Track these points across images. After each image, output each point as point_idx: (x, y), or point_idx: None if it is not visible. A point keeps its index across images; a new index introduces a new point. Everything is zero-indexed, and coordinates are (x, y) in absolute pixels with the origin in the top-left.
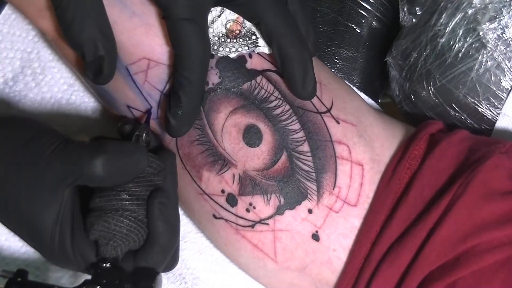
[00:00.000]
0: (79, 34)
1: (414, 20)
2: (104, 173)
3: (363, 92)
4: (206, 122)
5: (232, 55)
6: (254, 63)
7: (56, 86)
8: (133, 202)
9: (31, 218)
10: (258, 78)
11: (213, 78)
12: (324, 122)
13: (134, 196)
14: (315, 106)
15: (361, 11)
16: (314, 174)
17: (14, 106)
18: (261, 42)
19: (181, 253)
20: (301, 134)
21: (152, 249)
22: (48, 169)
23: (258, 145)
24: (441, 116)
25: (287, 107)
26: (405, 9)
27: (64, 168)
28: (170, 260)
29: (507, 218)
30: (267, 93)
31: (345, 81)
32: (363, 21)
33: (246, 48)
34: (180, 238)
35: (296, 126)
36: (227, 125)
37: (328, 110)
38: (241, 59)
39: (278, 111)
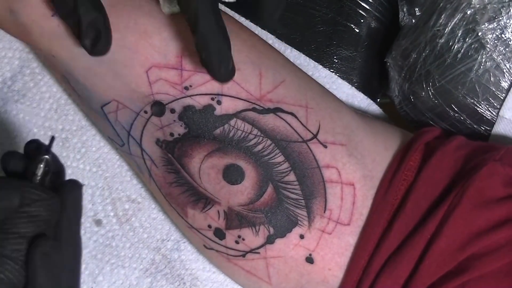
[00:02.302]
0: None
1: (413, 20)
2: None
3: (362, 92)
4: (180, 167)
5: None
6: (225, 108)
7: (54, 86)
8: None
9: None
10: (232, 121)
11: (179, 129)
12: (310, 149)
13: (8, 233)
14: (300, 135)
15: (360, 11)
16: (303, 201)
17: (12, 106)
18: None
19: (180, 253)
20: (285, 165)
21: None
22: None
23: (240, 182)
24: (440, 117)
25: (268, 142)
26: (405, 9)
27: None
28: None
29: (502, 221)
30: (244, 133)
31: (344, 81)
32: (362, 21)
33: None
34: (179, 239)
35: (280, 158)
36: (204, 167)
37: (315, 136)
38: (208, 108)
39: (259, 147)
